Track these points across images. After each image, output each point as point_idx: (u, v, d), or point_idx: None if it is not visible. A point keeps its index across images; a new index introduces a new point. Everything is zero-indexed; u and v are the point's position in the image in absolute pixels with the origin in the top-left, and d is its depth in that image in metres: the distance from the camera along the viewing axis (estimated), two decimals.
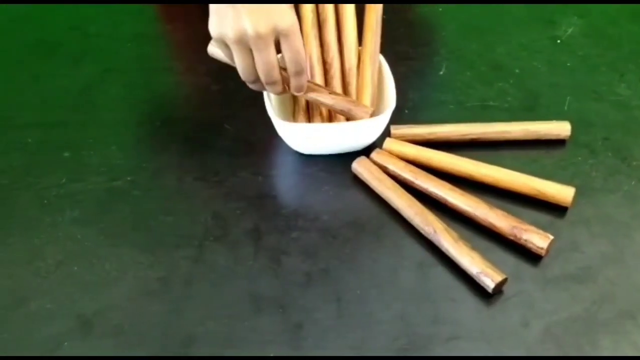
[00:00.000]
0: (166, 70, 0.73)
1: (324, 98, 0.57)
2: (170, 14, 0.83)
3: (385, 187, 0.56)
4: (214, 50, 0.59)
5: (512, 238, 0.52)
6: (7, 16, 0.82)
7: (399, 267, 0.52)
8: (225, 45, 0.52)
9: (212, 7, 0.51)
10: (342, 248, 0.53)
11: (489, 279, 0.49)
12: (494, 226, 0.53)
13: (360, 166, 0.58)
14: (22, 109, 0.68)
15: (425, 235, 0.53)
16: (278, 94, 0.56)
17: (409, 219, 0.54)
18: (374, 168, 0.57)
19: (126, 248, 0.54)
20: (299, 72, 0.54)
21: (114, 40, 0.77)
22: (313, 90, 0.57)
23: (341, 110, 0.57)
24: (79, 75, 0.72)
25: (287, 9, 0.51)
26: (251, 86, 0.56)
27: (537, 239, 0.51)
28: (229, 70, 0.59)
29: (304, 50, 0.53)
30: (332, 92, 0.57)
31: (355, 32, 0.62)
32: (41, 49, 0.77)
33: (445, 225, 0.52)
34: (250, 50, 0.51)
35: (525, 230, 0.52)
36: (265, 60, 0.52)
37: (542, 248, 0.51)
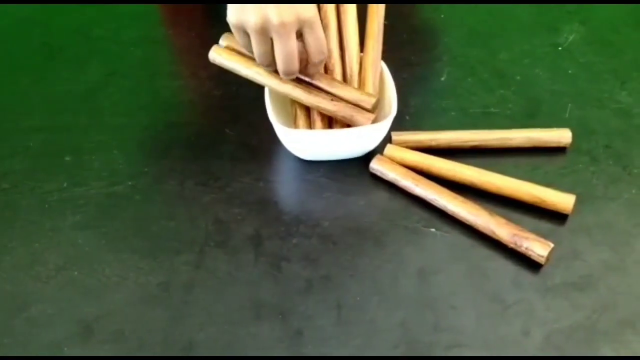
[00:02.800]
0: (169, 75, 0.73)
1: (325, 104, 0.57)
2: (173, 18, 0.83)
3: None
4: (215, 56, 0.59)
5: (512, 246, 0.52)
6: (11, 19, 0.82)
7: (400, 274, 0.52)
8: (244, 33, 0.52)
9: None
10: (343, 255, 0.53)
11: (541, 248, 0.51)
12: (495, 234, 0.53)
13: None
14: (25, 113, 0.68)
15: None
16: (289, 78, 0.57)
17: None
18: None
19: (127, 253, 0.54)
20: (322, 61, 0.55)
21: (117, 45, 0.78)
22: (315, 96, 0.57)
23: (343, 117, 0.57)
24: (82, 79, 0.72)
25: (310, 5, 0.52)
26: (265, 69, 0.57)
27: (538, 247, 0.51)
28: (230, 76, 0.59)
29: (324, 37, 0.54)
30: (334, 99, 0.58)
31: (357, 38, 0.62)
32: (44, 52, 0.77)
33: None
34: (270, 39, 0.51)
35: (526, 238, 0.52)
36: (287, 50, 0.52)
37: (542, 256, 0.51)
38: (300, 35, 0.53)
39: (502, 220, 0.53)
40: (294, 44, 0.52)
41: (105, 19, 0.82)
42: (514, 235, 0.52)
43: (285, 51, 0.52)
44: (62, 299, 0.51)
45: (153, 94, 0.70)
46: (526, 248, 0.52)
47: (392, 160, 0.59)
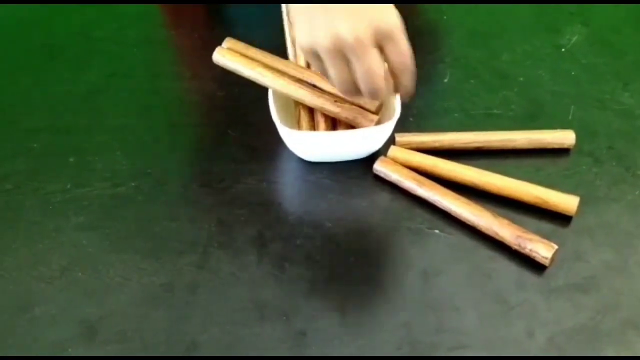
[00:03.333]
0: (171, 76, 0.73)
1: (329, 106, 0.57)
2: (175, 19, 0.83)
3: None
4: (219, 57, 0.59)
5: (516, 247, 0.52)
6: (11, 20, 0.82)
7: (403, 275, 0.52)
8: (316, 57, 0.46)
9: (298, 11, 0.45)
10: (346, 256, 0.53)
11: (545, 250, 0.51)
12: (498, 235, 0.53)
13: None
14: (27, 114, 0.68)
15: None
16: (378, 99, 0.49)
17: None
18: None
19: (130, 254, 0.54)
20: (408, 77, 0.47)
21: (119, 45, 0.78)
22: (318, 98, 0.57)
23: (346, 118, 0.58)
24: (84, 80, 0.72)
25: (389, 7, 0.44)
26: (348, 97, 0.49)
27: (542, 249, 0.51)
28: (234, 77, 0.60)
29: (410, 49, 0.45)
30: (338, 100, 0.58)
31: None
32: (46, 53, 0.77)
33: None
34: (347, 59, 0.44)
35: (530, 239, 0.52)
36: (367, 68, 0.44)
37: (546, 258, 0.51)
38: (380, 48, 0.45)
39: (506, 222, 0.53)
40: (374, 59, 0.44)
41: (106, 20, 0.82)
42: (518, 236, 0.52)
43: (364, 70, 0.45)
44: (65, 300, 0.51)
45: (155, 95, 0.70)
46: (530, 250, 0.52)
47: (396, 161, 0.59)
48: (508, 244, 0.53)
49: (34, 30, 0.80)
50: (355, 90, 0.48)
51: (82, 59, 0.75)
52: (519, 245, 0.52)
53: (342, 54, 0.44)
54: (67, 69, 0.74)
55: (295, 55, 0.63)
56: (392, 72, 0.47)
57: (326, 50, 0.44)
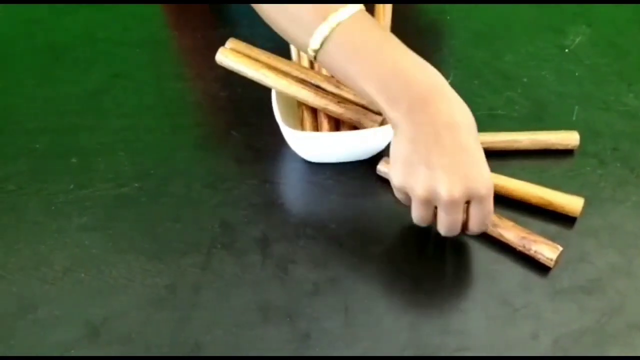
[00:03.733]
0: (174, 77, 0.73)
1: (332, 107, 0.57)
2: (178, 20, 0.83)
3: None
4: (222, 58, 0.59)
5: (520, 249, 0.52)
6: (16, 21, 0.82)
7: (408, 277, 0.52)
8: (405, 194, 0.48)
9: (398, 152, 0.46)
10: (350, 257, 0.53)
11: (549, 251, 0.50)
12: (503, 237, 0.53)
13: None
14: (31, 114, 0.68)
15: None
16: None
17: None
18: None
19: (134, 255, 0.54)
20: (484, 229, 0.50)
21: (122, 46, 0.77)
22: (322, 98, 0.57)
23: (350, 119, 0.57)
24: (88, 80, 0.72)
25: (486, 169, 0.46)
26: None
27: (547, 251, 0.51)
28: (237, 77, 0.59)
29: (492, 208, 0.48)
30: (341, 101, 0.57)
31: None
32: (50, 53, 0.77)
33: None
34: (435, 206, 0.47)
35: (534, 241, 0.51)
36: (452, 222, 0.47)
37: (551, 259, 0.51)
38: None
39: (510, 224, 0.53)
40: (460, 215, 0.47)
41: (110, 21, 0.82)
42: (522, 238, 0.52)
43: (449, 221, 0.47)
44: (68, 301, 0.51)
45: (158, 95, 0.70)
46: (535, 251, 0.51)
47: None
48: (513, 245, 0.52)
49: (38, 31, 0.80)
50: (430, 224, 0.50)
51: (86, 60, 0.75)
52: (524, 247, 0.52)
53: (433, 203, 0.47)
54: (70, 70, 0.74)
55: (298, 56, 0.63)
56: (469, 225, 0.49)
57: (418, 199, 0.46)
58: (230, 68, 0.59)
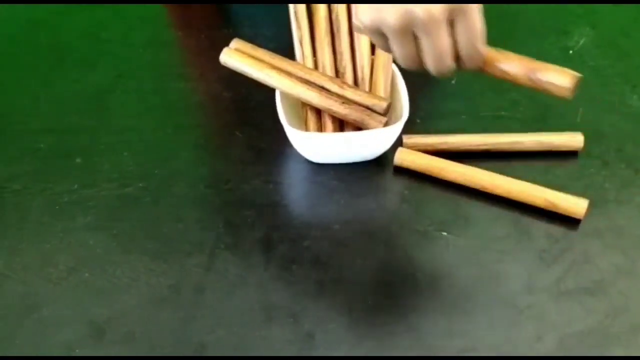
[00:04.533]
0: (178, 77, 0.73)
1: (337, 107, 0.57)
2: (182, 20, 0.83)
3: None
4: (226, 58, 0.59)
5: (529, 84, 0.44)
6: (20, 21, 0.82)
7: (411, 278, 0.52)
8: (380, 34, 0.42)
9: None
10: (354, 258, 0.53)
11: (562, 78, 0.42)
12: (507, 73, 0.44)
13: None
14: (35, 115, 0.68)
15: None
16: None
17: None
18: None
19: (137, 255, 0.54)
20: (475, 55, 0.43)
21: (126, 46, 0.78)
22: (326, 99, 0.57)
23: (354, 120, 0.57)
24: (91, 80, 0.72)
25: None
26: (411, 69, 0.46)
27: (559, 78, 0.43)
28: (240, 77, 0.59)
29: (482, 25, 0.42)
30: (345, 102, 0.57)
31: (369, 41, 0.62)
32: (54, 54, 0.77)
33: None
34: (415, 36, 0.41)
35: (545, 69, 0.43)
36: (437, 47, 0.41)
37: (566, 88, 0.43)
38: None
39: (514, 55, 0.45)
40: (445, 38, 0.41)
41: (114, 21, 0.82)
42: (531, 69, 0.44)
43: (434, 49, 0.41)
44: (73, 301, 0.51)
45: (162, 96, 0.70)
46: (547, 82, 0.43)
47: (403, 164, 0.59)
48: (519, 81, 0.44)
49: (42, 31, 0.81)
50: (420, 66, 0.44)
51: (90, 60, 0.76)
52: (532, 81, 0.44)
53: (411, 31, 0.41)
54: (74, 70, 0.74)
55: (302, 56, 0.63)
56: (458, 51, 0.43)
57: (393, 30, 0.41)
58: (234, 68, 0.59)
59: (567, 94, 0.43)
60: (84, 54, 0.77)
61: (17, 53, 0.77)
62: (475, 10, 0.41)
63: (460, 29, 0.41)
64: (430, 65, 0.43)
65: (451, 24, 0.41)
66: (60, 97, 0.70)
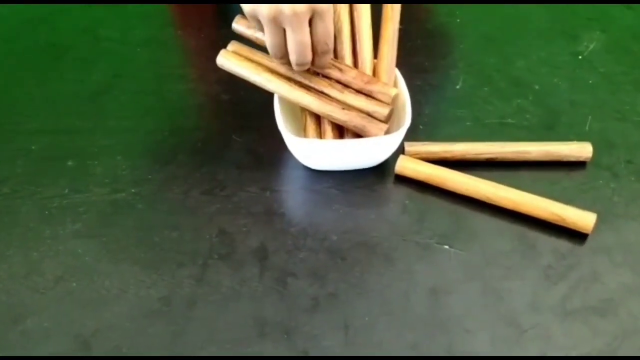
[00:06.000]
0: (176, 78, 0.71)
1: (337, 114, 0.55)
2: (182, 19, 0.81)
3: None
4: (223, 61, 0.57)
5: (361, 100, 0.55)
6: (17, 19, 0.80)
7: (411, 293, 0.50)
8: (257, 21, 0.52)
9: None
10: (351, 271, 0.51)
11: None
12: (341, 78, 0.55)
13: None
14: (29, 115, 0.66)
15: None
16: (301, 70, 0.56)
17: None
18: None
19: (128, 265, 0.52)
20: (327, 52, 0.54)
21: (124, 45, 0.76)
22: (326, 105, 0.55)
23: (355, 127, 0.55)
24: (88, 80, 0.71)
25: None
26: (278, 62, 0.56)
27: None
28: (240, 80, 0.57)
29: (332, 31, 0.53)
30: (346, 108, 0.55)
31: (371, 44, 0.60)
32: (50, 52, 0.75)
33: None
34: (283, 29, 0.51)
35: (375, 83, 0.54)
36: (299, 40, 0.51)
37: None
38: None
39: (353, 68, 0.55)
40: (306, 34, 0.51)
41: (113, 19, 0.80)
42: (366, 82, 0.54)
43: (296, 41, 0.51)
44: (59, 312, 0.49)
45: (159, 97, 0.68)
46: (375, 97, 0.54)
47: (404, 173, 0.57)
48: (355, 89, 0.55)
49: (40, 29, 0.79)
50: (285, 56, 0.53)
51: (87, 59, 0.74)
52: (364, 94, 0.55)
53: (280, 24, 0.50)
54: (71, 69, 0.72)
55: None
56: (314, 47, 0.53)
57: (266, 19, 0.50)
58: (231, 71, 0.57)
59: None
60: (82, 53, 0.75)
61: (13, 51, 0.75)
62: (331, 14, 0.51)
63: (317, 28, 0.51)
64: (292, 54, 0.52)
65: (311, 23, 0.51)
66: (55, 97, 0.68)
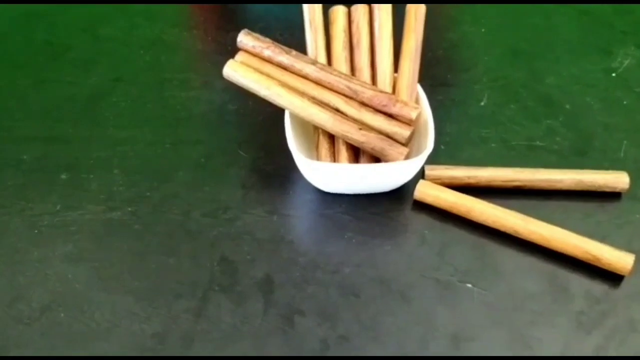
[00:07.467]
0: (180, 84, 0.66)
1: (353, 134, 0.51)
2: (189, 19, 0.77)
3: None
4: (230, 72, 0.52)
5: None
6: (13, 15, 0.76)
7: (429, 338, 0.45)
8: None
9: None
10: (364, 310, 0.47)
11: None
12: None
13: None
14: (22, 120, 0.62)
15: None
16: None
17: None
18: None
19: (121, 294, 0.47)
20: None
21: (126, 46, 0.71)
22: (341, 124, 0.51)
23: (372, 149, 0.51)
24: (86, 83, 0.66)
25: None
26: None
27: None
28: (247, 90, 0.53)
29: None
30: (363, 128, 0.51)
31: (391, 57, 0.55)
32: (47, 52, 0.71)
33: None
34: None
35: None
36: None
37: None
38: None
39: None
40: None
41: (115, 18, 0.76)
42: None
43: None
44: (44, 345, 0.45)
45: (161, 104, 0.64)
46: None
47: (424, 199, 0.53)
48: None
49: (37, 26, 0.74)
50: None
51: (86, 60, 0.69)
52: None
53: None
54: (68, 71, 0.68)
55: (315, 53, 0.56)
56: None
57: None
58: (238, 84, 0.53)
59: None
60: (81, 53, 0.71)
61: (7, 50, 0.71)
62: None
63: None
64: None
65: None
66: (51, 101, 0.64)
